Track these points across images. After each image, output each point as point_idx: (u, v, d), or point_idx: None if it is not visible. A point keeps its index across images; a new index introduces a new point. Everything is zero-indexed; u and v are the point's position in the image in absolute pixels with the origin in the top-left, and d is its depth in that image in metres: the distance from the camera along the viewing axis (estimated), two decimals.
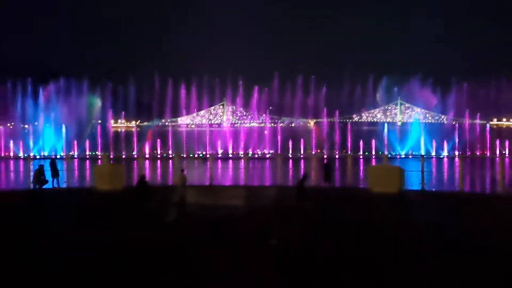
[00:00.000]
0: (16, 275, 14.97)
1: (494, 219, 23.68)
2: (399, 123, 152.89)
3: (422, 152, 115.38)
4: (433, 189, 40.16)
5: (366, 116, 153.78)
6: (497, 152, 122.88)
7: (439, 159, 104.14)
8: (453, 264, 16.26)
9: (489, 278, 14.60)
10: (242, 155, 72.79)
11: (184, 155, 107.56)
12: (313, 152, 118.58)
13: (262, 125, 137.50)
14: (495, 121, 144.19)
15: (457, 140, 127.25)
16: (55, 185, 38.25)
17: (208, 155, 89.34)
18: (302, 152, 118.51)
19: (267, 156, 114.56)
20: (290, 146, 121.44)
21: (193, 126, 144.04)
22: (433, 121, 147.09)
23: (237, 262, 15.87)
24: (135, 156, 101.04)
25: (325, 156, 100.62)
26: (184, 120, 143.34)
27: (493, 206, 29.24)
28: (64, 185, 40.16)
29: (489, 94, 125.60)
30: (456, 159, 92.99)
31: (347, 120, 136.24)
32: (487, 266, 15.72)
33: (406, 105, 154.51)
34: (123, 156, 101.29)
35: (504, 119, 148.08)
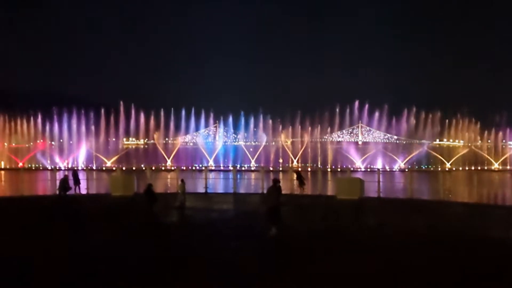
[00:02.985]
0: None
1: (424, 220, 24.18)
2: (359, 142, 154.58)
3: (379, 166, 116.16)
4: (387, 196, 40.46)
5: (335, 136, 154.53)
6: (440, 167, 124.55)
7: (392, 172, 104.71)
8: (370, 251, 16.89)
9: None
10: (231, 168, 73.17)
11: (184, 168, 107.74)
12: (289, 165, 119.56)
13: (248, 143, 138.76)
14: (437, 141, 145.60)
15: (406, 156, 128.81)
16: (77, 192, 38.46)
17: (203, 168, 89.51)
18: (280, 165, 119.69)
19: (252, 168, 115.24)
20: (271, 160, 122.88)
21: (191, 143, 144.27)
22: (389, 141, 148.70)
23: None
24: (143, 168, 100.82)
25: (299, 169, 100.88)
26: (183, 139, 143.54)
27: (432, 209, 29.70)
28: (84, 192, 40.34)
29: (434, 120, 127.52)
30: (406, 171, 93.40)
31: (319, 139, 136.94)
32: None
33: (367, 128, 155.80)
34: (133, 168, 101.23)
35: (445, 139, 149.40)
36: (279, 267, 14.48)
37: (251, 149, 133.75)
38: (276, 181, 20.85)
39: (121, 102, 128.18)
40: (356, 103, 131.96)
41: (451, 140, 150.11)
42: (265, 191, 40.16)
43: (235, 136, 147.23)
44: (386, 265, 14.67)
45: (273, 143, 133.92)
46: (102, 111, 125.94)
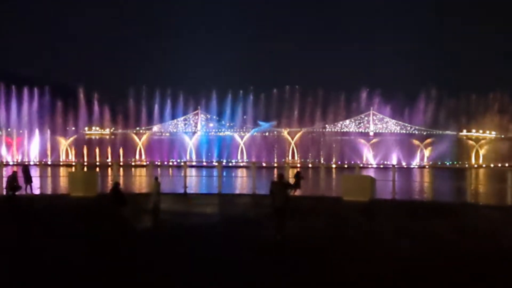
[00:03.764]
0: None
1: (444, 227, 24.17)
2: (371, 133, 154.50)
3: (394, 162, 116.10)
4: (403, 199, 40.45)
5: (340, 126, 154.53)
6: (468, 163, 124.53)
7: (410, 169, 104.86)
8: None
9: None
10: (216, 163, 72.77)
11: (159, 163, 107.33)
12: (287, 161, 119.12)
13: (236, 133, 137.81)
14: (464, 132, 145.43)
15: (427, 150, 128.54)
16: (28, 192, 38.21)
17: (182, 163, 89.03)
18: (275, 160, 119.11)
19: (241, 164, 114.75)
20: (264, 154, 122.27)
21: (167, 134, 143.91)
22: (404, 131, 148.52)
23: None
24: (109, 163, 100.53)
25: (298, 165, 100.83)
26: (159, 128, 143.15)
27: (454, 214, 29.62)
28: (37, 192, 40.09)
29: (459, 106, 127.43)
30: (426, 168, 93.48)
31: (321, 130, 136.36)
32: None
33: (379, 116, 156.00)
34: (97, 163, 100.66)
35: (474, 130, 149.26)
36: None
37: (239, 141, 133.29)
38: (281, 176, 21.34)
39: (81, 89, 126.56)
40: (365, 93, 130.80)
41: (480, 132, 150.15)
42: (256, 191, 40.27)
43: (220, 124, 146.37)
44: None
45: (266, 133, 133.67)
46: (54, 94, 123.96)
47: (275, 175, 21.34)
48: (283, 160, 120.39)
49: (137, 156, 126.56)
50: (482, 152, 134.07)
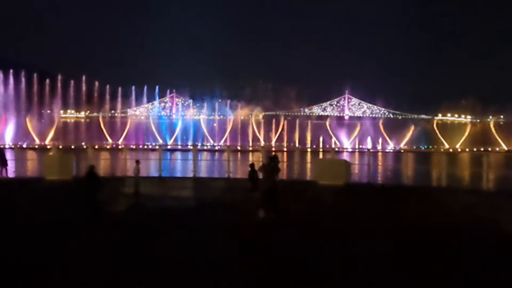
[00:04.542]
0: None
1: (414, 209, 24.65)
2: (346, 117, 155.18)
3: (369, 146, 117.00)
4: (378, 182, 40.91)
5: (315, 110, 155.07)
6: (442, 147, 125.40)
7: (385, 153, 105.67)
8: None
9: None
10: (191, 147, 72.81)
11: (134, 146, 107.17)
12: (261, 145, 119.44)
13: (211, 117, 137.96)
14: (439, 116, 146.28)
15: (402, 135, 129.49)
16: (3, 175, 38.15)
17: (157, 147, 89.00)
18: (250, 144, 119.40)
19: (216, 148, 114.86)
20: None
21: (142, 117, 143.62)
22: (379, 115, 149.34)
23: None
24: (84, 146, 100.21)
25: (272, 149, 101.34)
26: (134, 111, 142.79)
27: (427, 197, 30.04)
28: (12, 175, 40.04)
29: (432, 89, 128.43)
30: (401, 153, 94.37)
31: (296, 113, 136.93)
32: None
33: (353, 100, 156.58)
34: (72, 146, 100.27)
35: (449, 114, 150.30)
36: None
37: (214, 125, 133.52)
38: (273, 158, 21.69)
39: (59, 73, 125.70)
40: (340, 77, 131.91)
41: (456, 116, 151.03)
42: (231, 175, 40.45)
43: (196, 108, 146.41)
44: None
45: (242, 117, 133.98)
46: (35, 76, 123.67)
47: (265, 158, 21.61)
48: (258, 144, 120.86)
49: (110, 140, 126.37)
50: (457, 136, 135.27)
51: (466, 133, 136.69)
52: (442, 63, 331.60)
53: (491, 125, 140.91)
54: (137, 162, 30.65)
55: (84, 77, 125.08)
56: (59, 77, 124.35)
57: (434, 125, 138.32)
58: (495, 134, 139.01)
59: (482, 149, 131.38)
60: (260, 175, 22.86)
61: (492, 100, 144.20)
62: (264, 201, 21.01)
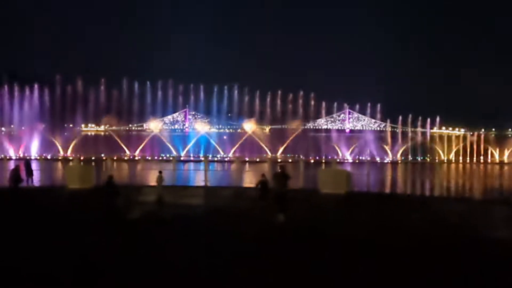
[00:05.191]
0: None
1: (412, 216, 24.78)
2: (347, 130, 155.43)
3: (368, 157, 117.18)
4: (377, 191, 40.96)
5: (318, 124, 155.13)
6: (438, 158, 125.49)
7: (383, 164, 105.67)
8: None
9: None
10: (203, 158, 73.14)
11: (149, 157, 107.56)
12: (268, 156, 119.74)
13: (221, 130, 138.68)
14: (435, 129, 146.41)
15: (400, 146, 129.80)
16: (30, 184, 38.46)
17: (171, 158, 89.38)
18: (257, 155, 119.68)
19: (226, 159, 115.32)
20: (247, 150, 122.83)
21: (157, 131, 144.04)
22: (379, 129, 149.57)
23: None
24: (104, 158, 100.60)
25: (279, 160, 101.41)
26: (149, 125, 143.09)
27: (423, 206, 30.12)
28: (37, 184, 40.33)
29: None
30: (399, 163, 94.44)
31: (302, 126, 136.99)
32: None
33: (355, 114, 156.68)
34: (93, 158, 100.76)
35: (444, 128, 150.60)
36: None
37: (224, 137, 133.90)
38: (284, 168, 22.83)
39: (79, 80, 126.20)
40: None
41: (450, 129, 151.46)
42: (240, 184, 40.61)
43: (206, 122, 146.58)
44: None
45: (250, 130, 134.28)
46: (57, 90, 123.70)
47: (277, 168, 22.73)
48: (264, 155, 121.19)
49: (127, 152, 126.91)
50: (452, 148, 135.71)
51: (460, 145, 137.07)
52: (442, 81, 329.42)
53: (482, 138, 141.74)
54: (160, 172, 31.21)
55: (103, 89, 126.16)
56: (80, 87, 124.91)
57: (428, 138, 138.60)
58: (488, 146, 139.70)
59: (474, 160, 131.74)
60: (272, 183, 23.97)
61: (486, 114, 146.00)
62: (277, 205, 21.99)
